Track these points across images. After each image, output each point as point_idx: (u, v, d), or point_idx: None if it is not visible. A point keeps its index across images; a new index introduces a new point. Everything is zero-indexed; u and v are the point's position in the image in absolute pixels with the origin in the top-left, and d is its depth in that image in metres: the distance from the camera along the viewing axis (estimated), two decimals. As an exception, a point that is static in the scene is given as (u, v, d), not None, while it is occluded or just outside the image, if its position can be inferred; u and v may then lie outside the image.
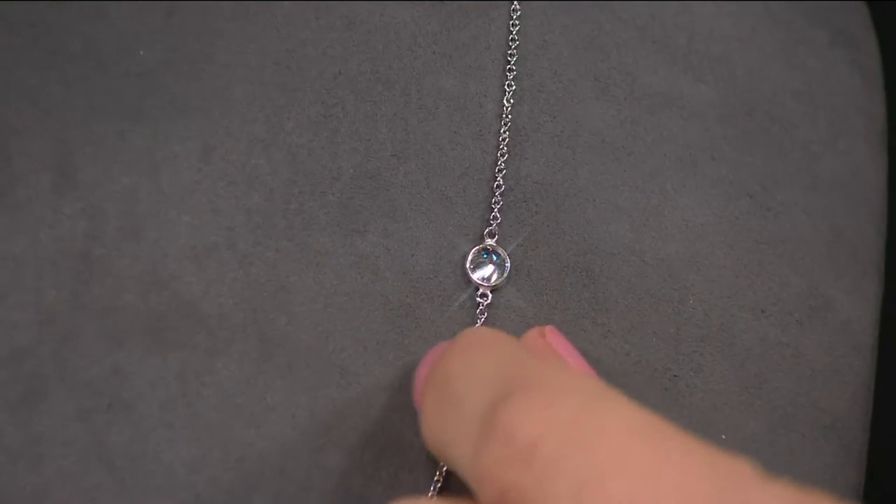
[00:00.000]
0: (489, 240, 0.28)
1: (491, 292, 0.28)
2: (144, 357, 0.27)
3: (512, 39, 0.31)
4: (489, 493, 0.18)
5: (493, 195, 0.29)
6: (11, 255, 0.27)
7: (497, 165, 0.29)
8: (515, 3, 0.31)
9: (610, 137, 0.30)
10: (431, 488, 0.26)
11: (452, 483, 0.26)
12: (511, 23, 0.31)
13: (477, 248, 0.28)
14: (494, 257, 0.28)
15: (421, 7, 0.31)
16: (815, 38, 0.33)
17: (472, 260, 0.28)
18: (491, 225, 0.28)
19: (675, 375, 0.28)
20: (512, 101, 0.30)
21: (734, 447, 0.27)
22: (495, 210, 0.29)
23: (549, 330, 0.26)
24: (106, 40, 0.30)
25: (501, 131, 0.29)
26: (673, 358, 0.28)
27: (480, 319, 0.28)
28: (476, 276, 0.28)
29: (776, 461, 0.27)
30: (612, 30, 0.31)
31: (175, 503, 0.25)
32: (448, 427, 0.21)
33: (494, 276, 0.28)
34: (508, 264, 0.28)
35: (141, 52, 0.29)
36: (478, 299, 0.28)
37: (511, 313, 0.28)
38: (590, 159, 0.30)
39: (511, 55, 0.30)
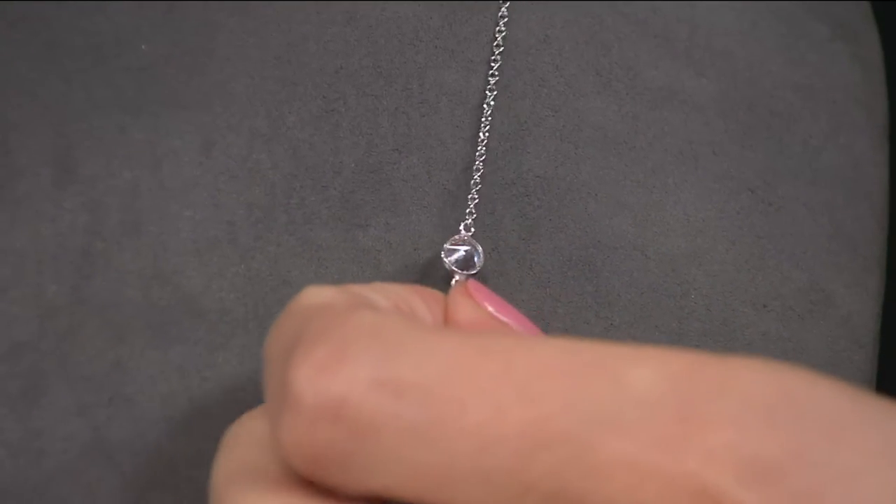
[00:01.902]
0: (464, 232, 0.28)
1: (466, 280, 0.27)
2: (145, 351, 0.26)
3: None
4: (301, 467, 0.16)
5: (471, 190, 0.28)
6: (12, 250, 0.27)
7: (482, 158, 0.29)
8: (517, -3, 0.31)
9: (612, 132, 0.30)
10: None
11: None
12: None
13: (451, 238, 0.28)
14: (467, 247, 0.28)
15: (423, 2, 0.31)
16: (817, 32, 0.33)
17: (447, 250, 0.28)
18: (466, 219, 0.28)
19: (676, 370, 0.28)
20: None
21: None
22: (471, 206, 0.28)
23: (471, 285, 0.24)
24: (106, 35, 0.29)
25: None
26: (675, 352, 0.28)
27: None
28: (450, 260, 0.27)
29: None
30: (614, 24, 0.31)
31: (176, 498, 0.25)
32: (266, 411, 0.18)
33: (469, 263, 0.27)
34: (480, 253, 0.27)
35: (142, 47, 0.29)
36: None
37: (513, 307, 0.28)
38: (591, 154, 0.30)
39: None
